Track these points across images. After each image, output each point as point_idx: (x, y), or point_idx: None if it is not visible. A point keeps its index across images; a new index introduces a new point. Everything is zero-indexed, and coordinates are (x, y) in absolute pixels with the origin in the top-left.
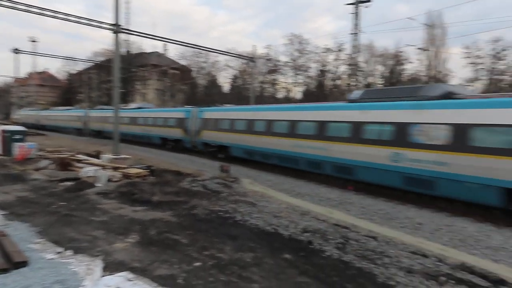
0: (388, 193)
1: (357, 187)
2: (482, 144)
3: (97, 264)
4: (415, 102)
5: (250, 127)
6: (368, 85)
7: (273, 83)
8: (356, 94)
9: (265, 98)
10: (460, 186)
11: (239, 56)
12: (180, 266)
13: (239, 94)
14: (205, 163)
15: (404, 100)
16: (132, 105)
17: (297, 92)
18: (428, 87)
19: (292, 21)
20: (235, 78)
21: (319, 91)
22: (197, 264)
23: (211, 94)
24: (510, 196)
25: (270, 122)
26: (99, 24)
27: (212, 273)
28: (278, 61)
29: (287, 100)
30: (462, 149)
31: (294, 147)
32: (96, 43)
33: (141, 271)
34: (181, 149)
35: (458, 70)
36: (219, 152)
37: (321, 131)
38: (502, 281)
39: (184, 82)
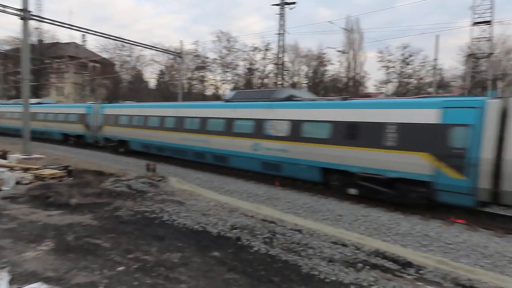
0: (312, 188)
1: (283, 183)
2: (307, 135)
3: (3, 277)
4: (268, 102)
5: (146, 122)
6: (294, 84)
7: (202, 80)
8: (230, 94)
9: (193, 95)
10: (297, 168)
11: (166, 51)
12: (102, 272)
13: (166, 90)
14: (129, 162)
15: (262, 101)
16: (32, 101)
17: (226, 90)
18: (278, 91)
19: (220, 18)
20: (162, 73)
21: (248, 89)
22: (121, 268)
23: (136, 90)
24: (325, 174)
25: (162, 118)
26: (3, 9)
27: (137, 277)
28: (207, 57)
29: (216, 97)
30: (296, 139)
31: (183, 140)
32: (1, 30)
33: (56, 281)
34: (83, 145)
35: (373, 73)
36: (120, 147)
37: (203, 126)
38: (409, 263)
39: (106, 76)
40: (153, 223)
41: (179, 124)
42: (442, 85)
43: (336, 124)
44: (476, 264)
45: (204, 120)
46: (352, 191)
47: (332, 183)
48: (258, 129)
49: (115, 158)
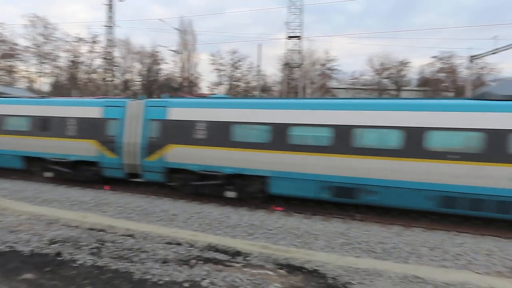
0: (145, 190)
1: (113, 186)
2: (11, 128)
3: None
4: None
5: None
6: (125, 81)
7: (10, 70)
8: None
9: None
10: (2, 158)
11: None
12: None
13: None
14: None
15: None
16: None
17: (44, 83)
18: None
19: (36, 0)
20: None
21: (72, 84)
22: None
23: None
24: (28, 162)
25: None
26: None
27: None
28: (16, 44)
29: (31, 91)
30: (1, 132)
31: None
32: None
33: None
34: None
35: (207, 74)
36: None
37: None
38: (238, 253)
39: None
40: None
41: None
42: (265, 89)
43: (33, 118)
44: (291, 244)
45: None
46: (48, 174)
47: (33, 169)
48: None
49: None
